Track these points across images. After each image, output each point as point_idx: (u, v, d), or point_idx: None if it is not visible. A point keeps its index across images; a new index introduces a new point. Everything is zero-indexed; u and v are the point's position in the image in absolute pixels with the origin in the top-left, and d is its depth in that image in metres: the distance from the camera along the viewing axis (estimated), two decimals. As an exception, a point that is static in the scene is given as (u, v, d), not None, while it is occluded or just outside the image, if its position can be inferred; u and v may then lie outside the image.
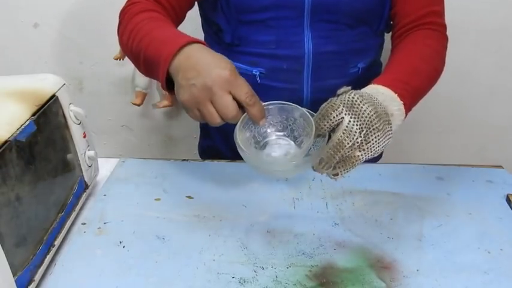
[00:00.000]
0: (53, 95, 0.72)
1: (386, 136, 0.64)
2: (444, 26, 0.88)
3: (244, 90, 0.64)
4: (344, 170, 0.63)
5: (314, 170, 0.65)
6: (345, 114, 0.62)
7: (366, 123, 0.62)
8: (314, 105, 0.90)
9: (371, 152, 0.63)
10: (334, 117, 0.62)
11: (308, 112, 0.68)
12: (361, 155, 0.63)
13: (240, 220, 0.77)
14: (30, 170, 0.64)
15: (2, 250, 0.55)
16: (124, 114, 1.59)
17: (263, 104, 0.68)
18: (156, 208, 0.80)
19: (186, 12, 0.90)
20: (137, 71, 1.42)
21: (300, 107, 0.69)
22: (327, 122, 0.63)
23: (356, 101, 0.63)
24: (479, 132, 1.61)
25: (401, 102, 0.68)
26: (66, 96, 0.75)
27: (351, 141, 0.62)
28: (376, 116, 0.63)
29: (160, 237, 0.73)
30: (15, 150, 0.60)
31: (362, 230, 0.76)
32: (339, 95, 0.65)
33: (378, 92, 0.68)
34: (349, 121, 0.62)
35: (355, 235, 0.74)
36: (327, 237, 0.74)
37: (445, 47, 0.87)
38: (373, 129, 0.62)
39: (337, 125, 0.63)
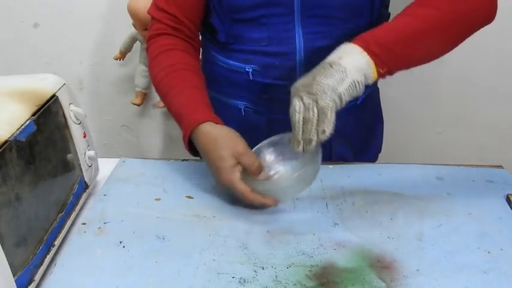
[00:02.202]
0: (53, 95, 0.72)
1: (328, 76, 0.69)
2: None
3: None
4: (325, 124, 0.69)
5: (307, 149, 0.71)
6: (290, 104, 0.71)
7: (304, 87, 0.69)
8: None
9: (324, 87, 0.68)
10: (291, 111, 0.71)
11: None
12: (320, 98, 0.68)
13: (240, 220, 0.77)
14: (30, 170, 0.64)
15: (2, 250, 0.55)
16: (124, 114, 1.59)
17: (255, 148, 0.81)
18: (156, 208, 0.80)
19: (199, 24, 0.94)
20: (137, 70, 1.43)
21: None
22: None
23: (292, 93, 0.71)
24: (479, 132, 1.61)
25: (356, 45, 0.72)
26: (66, 96, 0.75)
27: (294, 111, 0.69)
28: (309, 76, 0.71)
29: (160, 237, 0.73)
30: (15, 150, 0.60)
31: (362, 230, 0.75)
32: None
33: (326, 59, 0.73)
34: (291, 105, 0.71)
35: (355, 235, 0.74)
36: (327, 237, 0.74)
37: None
38: (310, 84, 0.69)
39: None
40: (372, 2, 0.86)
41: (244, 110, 0.95)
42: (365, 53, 0.72)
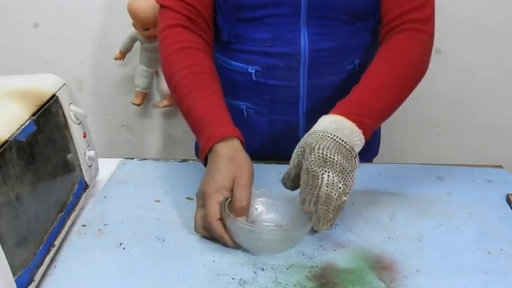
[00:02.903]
0: (53, 95, 0.72)
1: (355, 171, 0.71)
2: (427, 22, 0.85)
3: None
4: (337, 217, 0.69)
5: (315, 231, 0.72)
6: (323, 172, 0.68)
7: (341, 171, 0.68)
8: (310, 103, 0.91)
9: (351, 190, 0.70)
10: (319, 183, 0.68)
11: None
12: (346, 198, 0.69)
13: (240, 220, 0.77)
14: (30, 170, 0.64)
15: (2, 250, 0.55)
16: (124, 114, 1.59)
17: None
18: (156, 210, 0.80)
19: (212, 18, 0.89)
20: (137, 70, 1.43)
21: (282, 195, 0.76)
22: (316, 189, 0.68)
23: (326, 155, 0.69)
24: (479, 132, 1.61)
25: (360, 131, 0.73)
26: (66, 96, 0.75)
27: (336, 191, 0.67)
28: (344, 159, 0.69)
29: (160, 238, 0.73)
30: (15, 150, 0.60)
31: (362, 231, 0.75)
32: (306, 156, 0.70)
33: (338, 127, 0.72)
34: (328, 175, 0.67)
35: (355, 236, 0.74)
36: (327, 238, 0.74)
37: (424, 49, 0.85)
38: (347, 173, 0.69)
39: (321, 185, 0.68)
40: (377, 7, 0.87)
41: (246, 111, 0.95)
42: (363, 140, 0.74)
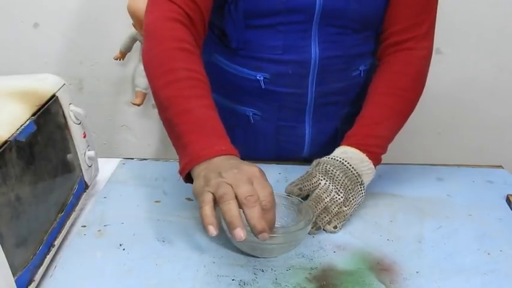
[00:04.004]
0: (53, 95, 0.72)
1: (358, 195, 0.77)
2: (427, 36, 0.87)
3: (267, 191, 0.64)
4: (339, 222, 0.75)
5: (312, 231, 0.75)
6: (321, 179, 0.77)
7: (341, 185, 0.76)
8: (316, 110, 0.90)
9: (353, 207, 0.77)
10: (314, 182, 0.77)
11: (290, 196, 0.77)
12: (348, 209, 0.76)
13: (240, 221, 0.77)
14: (30, 170, 0.64)
15: (2, 250, 0.55)
16: (124, 114, 1.59)
17: None
18: (156, 210, 0.80)
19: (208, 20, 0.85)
20: (137, 70, 1.43)
21: (282, 195, 0.76)
22: (308, 184, 0.77)
23: (329, 169, 0.77)
24: (479, 132, 1.61)
25: (370, 161, 0.80)
26: (66, 96, 0.75)
27: (327, 196, 0.75)
28: (348, 179, 0.77)
29: (160, 239, 0.73)
30: (15, 150, 0.60)
31: (362, 232, 0.75)
32: (315, 166, 0.79)
33: (348, 156, 0.79)
34: (325, 183, 0.76)
35: (354, 237, 0.74)
36: (327, 240, 0.74)
37: (424, 66, 0.88)
38: (349, 189, 0.76)
39: (316, 188, 0.77)
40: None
41: (252, 117, 0.94)
42: (374, 170, 0.81)
